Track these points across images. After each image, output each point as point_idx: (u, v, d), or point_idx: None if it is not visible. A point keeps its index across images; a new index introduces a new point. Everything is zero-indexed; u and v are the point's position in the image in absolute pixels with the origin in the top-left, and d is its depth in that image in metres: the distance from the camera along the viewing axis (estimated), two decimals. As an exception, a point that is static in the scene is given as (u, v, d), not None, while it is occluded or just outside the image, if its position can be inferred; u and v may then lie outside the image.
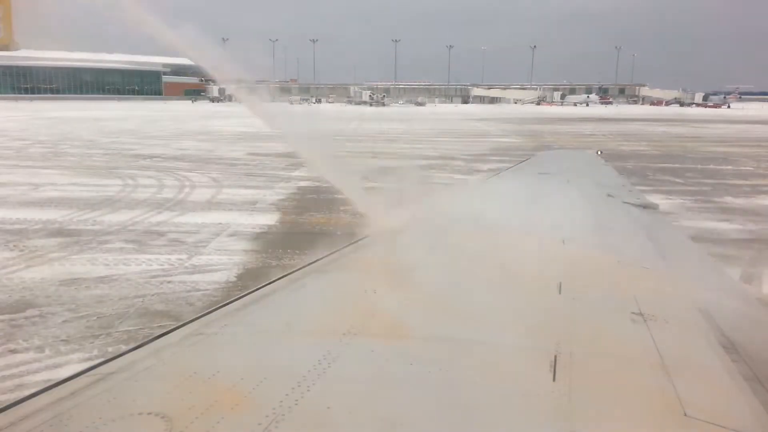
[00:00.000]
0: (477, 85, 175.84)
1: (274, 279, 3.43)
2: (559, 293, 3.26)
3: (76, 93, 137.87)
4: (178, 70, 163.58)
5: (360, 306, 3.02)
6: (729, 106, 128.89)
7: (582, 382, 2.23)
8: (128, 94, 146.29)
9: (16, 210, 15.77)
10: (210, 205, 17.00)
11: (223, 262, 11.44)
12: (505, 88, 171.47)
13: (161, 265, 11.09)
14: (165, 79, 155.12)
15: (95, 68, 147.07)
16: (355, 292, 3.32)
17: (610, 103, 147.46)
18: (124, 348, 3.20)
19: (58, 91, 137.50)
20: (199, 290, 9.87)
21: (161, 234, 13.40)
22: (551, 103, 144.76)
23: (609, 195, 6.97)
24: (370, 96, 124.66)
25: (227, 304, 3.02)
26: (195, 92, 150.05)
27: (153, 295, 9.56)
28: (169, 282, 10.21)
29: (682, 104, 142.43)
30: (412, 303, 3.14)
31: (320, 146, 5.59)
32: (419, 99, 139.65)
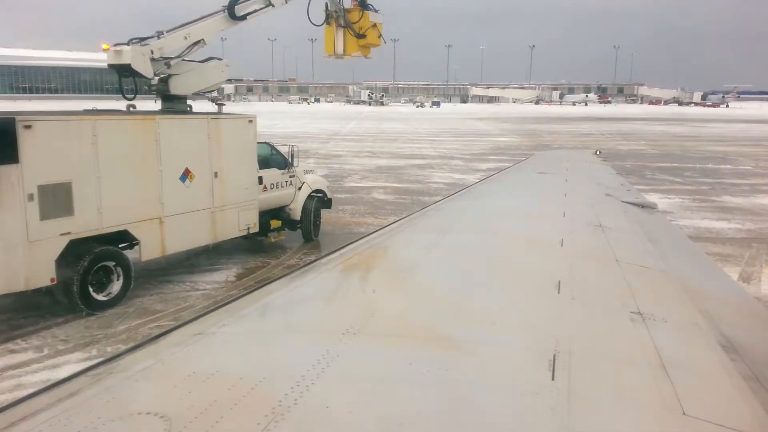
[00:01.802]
0: (476, 85, 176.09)
1: (274, 279, 3.43)
2: (558, 293, 3.26)
3: (74, 93, 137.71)
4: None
5: (359, 306, 3.02)
6: (727, 105, 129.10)
7: (581, 382, 2.23)
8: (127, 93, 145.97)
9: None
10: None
11: (223, 261, 11.45)
12: (503, 88, 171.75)
13: (159, 264, 11.09)
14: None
15: (94, 68, 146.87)
16: (354, 291, 3.32)
17: (609, 102, 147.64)
18: (123, 348, 3.20)
19: (56, 91, 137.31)
20: (198, 290, 9.90)
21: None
22: (550, 102, 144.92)
23: (607, 194, 6.98)
24: (369, 95, 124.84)
25: (227, 304, 3.02)
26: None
27: (153, 295, 9.58)
28: (169, 282, 10.22)
29: (680, 103, 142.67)
30: (412, 303, 3.14)
31: None
32: (418, 98, 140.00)
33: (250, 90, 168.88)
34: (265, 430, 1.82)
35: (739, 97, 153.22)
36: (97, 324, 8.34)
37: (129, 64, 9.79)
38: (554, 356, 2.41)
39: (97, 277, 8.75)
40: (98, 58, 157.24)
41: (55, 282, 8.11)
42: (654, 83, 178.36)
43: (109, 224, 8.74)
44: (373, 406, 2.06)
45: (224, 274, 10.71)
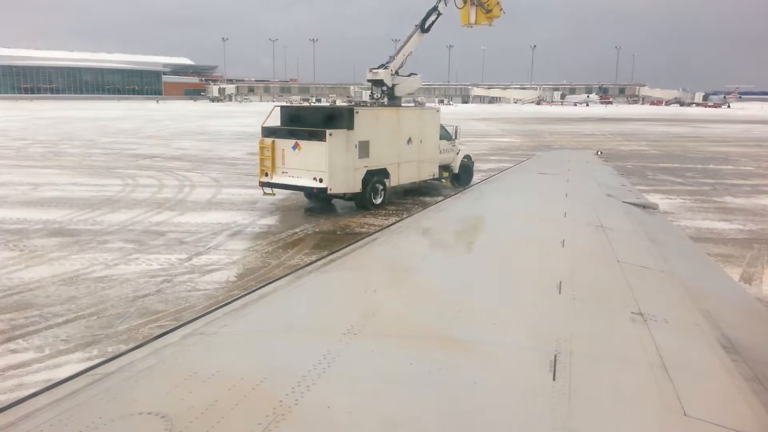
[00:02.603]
0: (477, 85, 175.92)
1: (274, 279, 3.43)
2: (559, 293, 3.26)
3: (76, 93, 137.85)
4: (178, 70, 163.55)
5: (360, 305, 3.02)
6: (729, 106, 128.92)
7: (582, 382, 2.23)
8: (128, 93, 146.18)
9: (15, 210, 15.77)
10: (210, 205, 17.00)
11: (224, 261, 11.45)
12: (505, 88, 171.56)
13: (161, 265, 11.10)
14: (165, 78, 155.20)
15: (95, 68, 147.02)
16: (355, 291, 3.32)
17: (611, 102, 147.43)
18: (124, 348, 3.20)
19: (58, 91, 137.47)
20: (199, 290, 9.89)
21: (161, 234, 13.39)
22: (551, 102, 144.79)
23: (609, 195, 6.97)
24: (370, 96, 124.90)
25: (227, 304, 3.02)
26: (195, 92, 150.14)
27: (153, 294, 9.57)
28: (169, 281, 10.22)
29: (682, 104, 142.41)
30: (412, 303, 3.14)
31: None
32: (419, 99, 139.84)
33: (251, 90, 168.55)
34: (266, 430, 1.82)
35: (740, 97, 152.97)
36: (98, 324, 8.34)
37: (382, 80, 17.73)
38: (555, 357, 2.41)
39: (374, 191, 16.06)
40: (99, 59, 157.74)
41: (360, 191, 15.52)
42: (655, 84, 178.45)
43: (380, 164, 16.25)
44: (374, 407, 2.05)
45: (225, 274, 10.71)
